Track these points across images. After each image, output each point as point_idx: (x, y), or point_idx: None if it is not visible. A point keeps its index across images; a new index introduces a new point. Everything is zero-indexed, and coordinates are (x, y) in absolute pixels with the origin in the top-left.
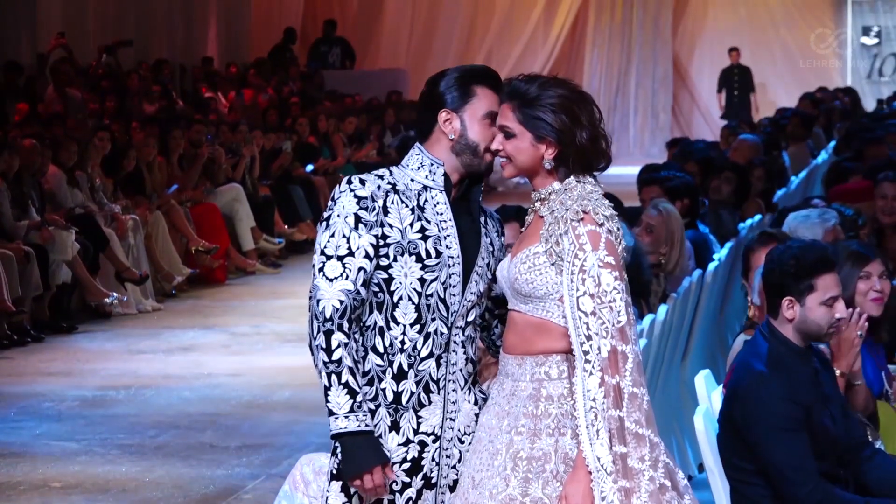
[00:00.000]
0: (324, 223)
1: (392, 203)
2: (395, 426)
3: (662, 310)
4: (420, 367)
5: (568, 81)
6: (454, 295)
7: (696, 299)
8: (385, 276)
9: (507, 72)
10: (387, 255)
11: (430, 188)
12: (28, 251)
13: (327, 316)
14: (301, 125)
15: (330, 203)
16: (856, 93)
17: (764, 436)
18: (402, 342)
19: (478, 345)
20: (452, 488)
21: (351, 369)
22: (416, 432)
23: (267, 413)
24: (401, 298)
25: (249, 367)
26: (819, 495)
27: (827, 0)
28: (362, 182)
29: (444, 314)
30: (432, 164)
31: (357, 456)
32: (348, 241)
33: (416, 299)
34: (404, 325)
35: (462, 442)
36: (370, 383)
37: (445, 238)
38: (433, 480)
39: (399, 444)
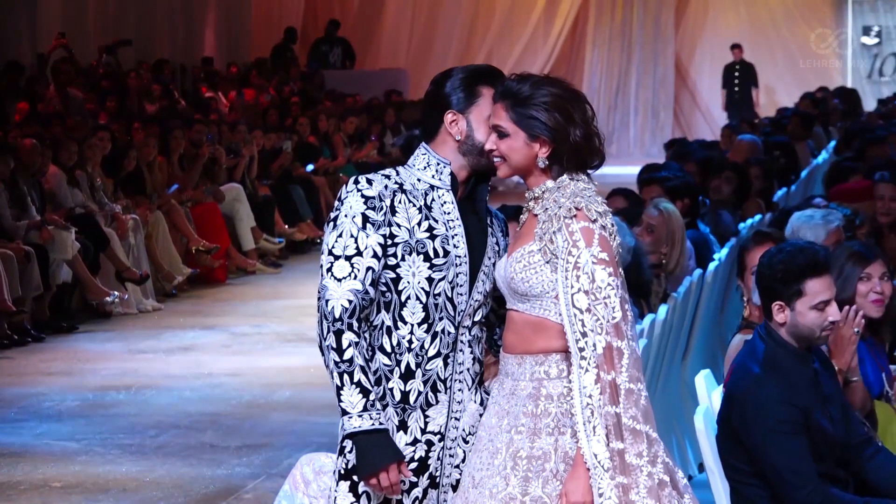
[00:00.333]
0: (331, 223)
1: (399, 202)
2: (402, 426)
3: (663, 309)
4: (427, 367)
5: (560, 80)
6: (461, 294)
7: (696, 299)
8: (393, 275)
9: (507, 72)
10: (395, 255)
11: (437, 188)
12: (28, 251)
13: (337, 315)
14: (301, 125)
15: (337, 203)
16: (856, 93)
17: (762, 439)
18: (410, 341)
19: (484, 346)
20: (455, 488)
21: (363, 368)
22: (423, 432)
23: (267, 413)
24: (408, 298)
25: (250, 366)
26: (818, 497)
27: (827, 0)
28: (369, 182)
29: (452, 313)
30: (439, 164)
31: (372, 454)
32: (356, 241)
33: (423, 298)
34: (412, 325)
35: (466, 442)
36: (378, 383)
37: (453, 237)
38: (437, 480)
39: (407, 444)
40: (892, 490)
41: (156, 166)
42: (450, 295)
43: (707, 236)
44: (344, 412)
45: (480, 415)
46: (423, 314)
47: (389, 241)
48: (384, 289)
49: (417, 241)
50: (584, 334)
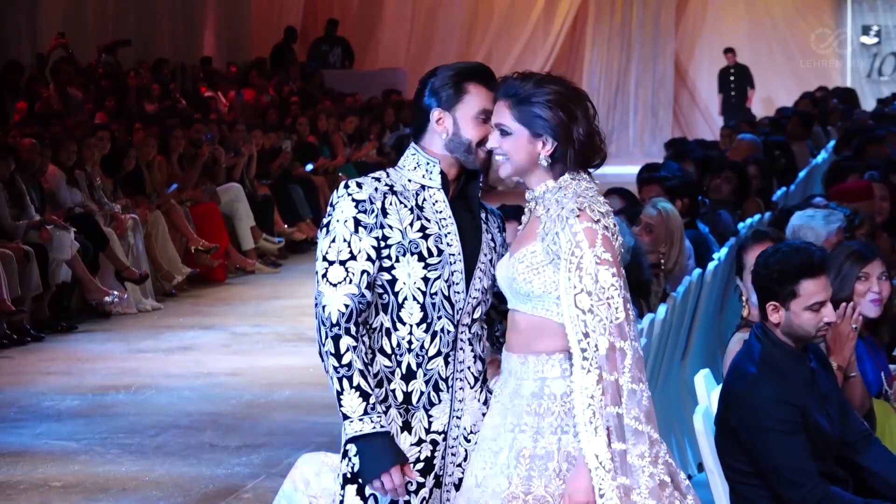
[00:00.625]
0: (324, 229)
1: (391, 204)
2: (406, 426)
3: (662, 309)
4: (429, 367)
5: (563, 78)
6: (458, 292)
7: (695, 299)
8: (389, 277)
9: (506, 71)
10: (389, 257)
11: (428, 187)
12: (28, 251)
13: (334, 321)
14: (301, 124)
15: (329, 209)
16: (853, 92)
17: (760, 439)
18: (410, 342)
19: (486, 343)
20: (458, 487)
21: (362, 372)
22: (427, 432)
23: (267, 412)
24: (406, 298)
25: (249, 366)
26: (817, 496)
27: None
28: (359, 185)
29: (450, 312)
30: (428, 163)
31: (375, 458)
32: (349, 245)
33: (420, 298)
34: (411, 325)
35: (468, 441)
36: (379, 385)
37: (446, 236)
38: (441, 479)
39: (412, 445)
40: (889, 485)
41: (155, 166)
42: (447, 293)
43: (706, 236)
44: (345, 417)
45: (483, 413)
46: (422, 314)
47: (383, 244)
48: (381, 291)
49: (410, 241)
50: (586, 335)
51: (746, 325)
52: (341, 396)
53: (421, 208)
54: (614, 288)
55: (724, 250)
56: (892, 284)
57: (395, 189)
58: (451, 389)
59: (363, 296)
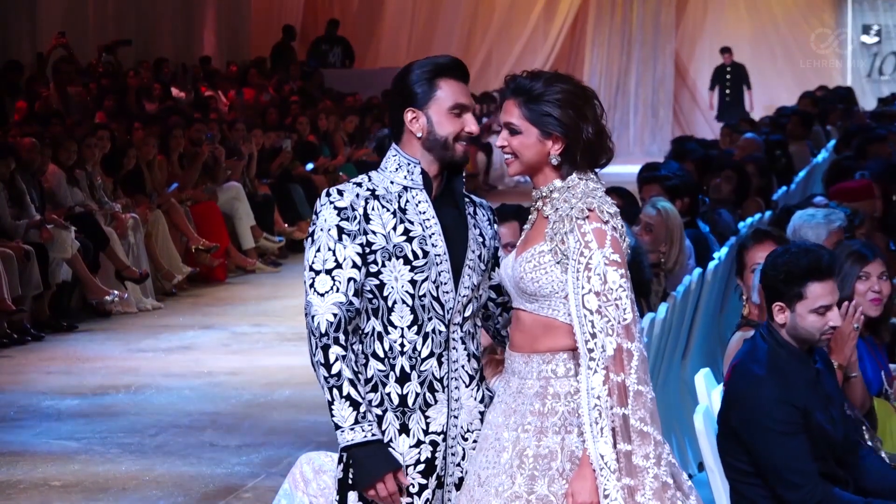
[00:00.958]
0: (309, 238)
1: (373, 209)
2: (404, 429)
3: (662, 308)
4: (422, 368)
5: (571, 77)
6: (447, 292)
7: (696, 298)
8: (377, 282)
9: (507, 70)
10: (375, 262)
11: (410, 188)
12: (28, 250)
13: (323, 331)
14: (301, 124)
15: (313, 217)
16: (852, 92)
17: (761, 439)
18: (402, 345)
19: (479, 340)
20: (458, 486)
21: (351, 381)
22: (426, 433)
23: (267, 412)
24: (395, 302)
25: (249, 365)
26: (817, 497)
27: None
28: (340, 193)
29: (441, 312)
30: (409, 164)
31: (368, 466)
32: (334, 254)
33: (409, 301)
34: (402, 328)
35: (465, 439)
36: (374, 389)
37: (431, 237)
38: (443, 479)
39: (411, 447)
40: (884, 494)
41: (155, 165)
42: (435, 294)
43: (707, 235)
44: (337, 426)
45: (479, 412)
46: (412, 316)
47: (368, 249)
48: (370, 296)
49: (395, 245)
50: (593, 335)
51: (747, 324)
52: (332, 406)
53: (404, 210)
54: (622, 289)
55: (724, 250)
56: (893, 284)
57: (376, 193)
58: (446, 389)
59: (351, 303)
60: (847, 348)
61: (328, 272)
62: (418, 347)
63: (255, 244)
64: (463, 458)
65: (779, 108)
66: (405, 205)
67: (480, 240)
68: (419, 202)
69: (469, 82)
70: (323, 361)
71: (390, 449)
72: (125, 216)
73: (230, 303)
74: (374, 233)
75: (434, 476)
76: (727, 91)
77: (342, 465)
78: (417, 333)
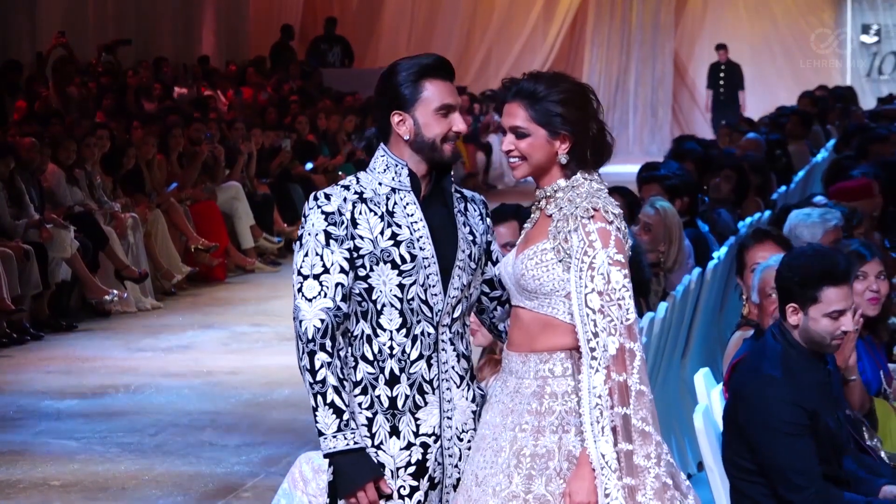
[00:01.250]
0: (298, 242)
1: (360, 214)
2: (394, 431)
3: (662, 308)
4: (411, 370)
5: (568, 75)
6: (436, 295)
7: (695, 298)
8: (365, 285)
9: (506, 70)
10: (363, 266)
11: (398, 189)
12: (27, 249)
13: (309, 337)
14: (300, 123)
15: (302, 220)
16: (851, 91)
17: (767, 438)
18: (391, 347)
19: (469, 339)
20: (457, 487)
21: (336, 388)
22: (416, 434)
23: (266, 411)
24: (384, 305)
25: (249, 365)
26: (820, 500)
27: None
28: (328, 197)
29: (429, 315)
30: (396, 165)
31: (350, 474)
32: (322, 259)
33: (398, 305)
34: (391, 331)
35: (461, 440)
36: (364, 392)
37: (418, 240)
38: (436, 481)
39: (401, 449)
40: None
41: (155, 165)
42: (424, 297)
43: (706, 235)
44: (320, 433)
45: (472, 411)
46: (401, 320)
47: (355, 254)
48: (359, 299)
49: (382, 250)
50: (595, 334)
51: (746, 323)
52: (316, 413)
53: (392, 214)
54: (625, 289)
55: (723, 249)
56: (892, 283)
57: (364, 196)
58: (437, 391)
59: (339, 308)
60: (846, 349)
61: (316, 277)
62: (407, 350)
63: (255, 244)
64: (460, 459)
65: (778, 108)
66: (393, 207)
67: (471, 238)
68: (407, 204)
69: (455, 80)
70: (309, 367)
71: (382, 451)
72: (124, 216)
73: (229, 302)
74: (361, 238)
75: (426, 478)
76: (721, 90)
77: (330, 469)
78: (406, 336)
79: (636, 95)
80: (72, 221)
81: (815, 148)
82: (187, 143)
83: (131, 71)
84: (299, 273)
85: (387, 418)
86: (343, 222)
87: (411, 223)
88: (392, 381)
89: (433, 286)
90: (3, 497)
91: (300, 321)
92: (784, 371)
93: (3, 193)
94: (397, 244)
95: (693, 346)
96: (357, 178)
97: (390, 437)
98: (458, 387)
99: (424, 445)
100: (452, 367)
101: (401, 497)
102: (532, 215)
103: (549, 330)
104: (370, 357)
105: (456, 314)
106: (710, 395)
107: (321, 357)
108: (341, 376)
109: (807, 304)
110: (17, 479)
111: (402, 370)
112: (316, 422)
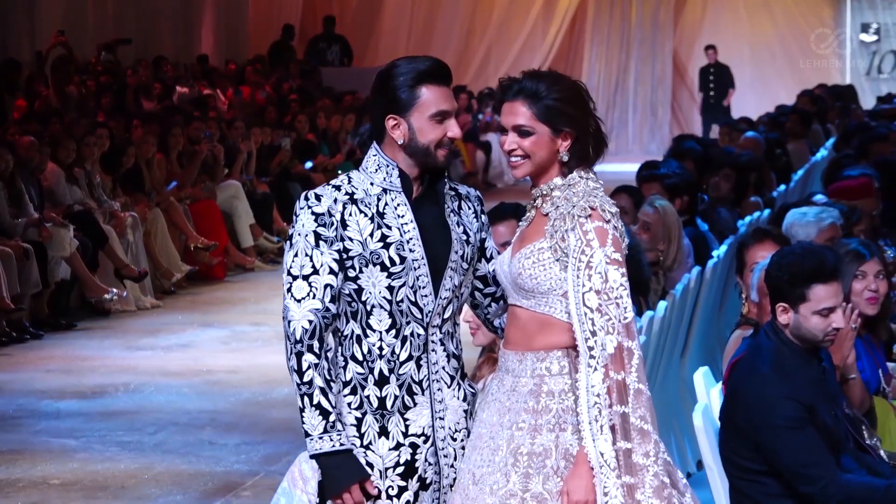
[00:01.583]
0: (288, 242)
1: (350, 215)
2: (383, 431)
3: (661, 307)
4: (401, 371)
5: (562, 74)
6: (426, 296)
7: (695, 296)
8: (355, 286)
9: (506, 69)
10: (353, 267)
11: (389, 190)
12: (27, 248)
13: (298, 337)
14: (300, 122)
15: (293, 220)
16: (853, 90)
17: (771, 438)
18: (381, 348)
19: (459, 339)
20: (453, 487)
21: (323, 389)
22: (405, 435)
23: (266, 410)
24: (373, 307)
25: (248, 364)
26: (833, 489)
27: None
28: (318, 197)
29: (419, 316)
30: (388, 166)
31: (335, 475)
32: (311, 260)
33: (387, 306)
34: (380, 332)
35: (454, 440)
36: (353, 392)
37: (408, 242)
38: (428, 481)
39: (390, 449)
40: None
41: (154, 164)
42: (413, 299)
43: (706, 234)
44: (306, 434)
45: (465, 410)
46: (390, 321)
47: (345, 256)
48: (349, 299)
49: (372, 252)
50: (593, 333)
51: (746, 322)
52: (303, 414)
53: (382, 215)
54: (623, 288)
55: (723, 248)
56: (892, 282)
57: (355, 197)
58: (427, 391)
59: (328, 309)
60: (845, 348)
61: (305, 278)
62: (397, 351)
63: (254, 242)
64: (455, 459)
65: (778, 107)
66: (384, 208)
67: (464, 238)
68: (398, 205)
69: (452, 84)
70: (296, 368)
71: (371, 451)
72: (124, 214)
73: (229, 301)
74: (350, 239)
75: (415, 478)
76: (711, 93)
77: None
78: (396, 337)
79: (636, 94)
80: (71, 220)
81: (814, 147)
82: (187, 142)
83: (131, 70)
84: (289, 273)
85: (376, 419)
86: (333, 223)
87: (402, 224)
88: (381, 381)
89: (423, 287)
90: (3, 496)
91: (289, 322)
92: (778, 369)
93: (3, 192)
94: (387, 246)
95: (692, 344)
96: (349, 178)
97: (379, 437)
98: (448, 387)
99: (413, 446)
100: (443, 368)
101: (389, 497)
102: (527, 214)
103: (546, 328)
104: (360, 357)
105: (446, 315)
106: (709, 394)
107: (308, 358)
108: (329, 377)
109: (797, 302)
110: (17, 477)
111: (391, 371)
112: (303, 423)
